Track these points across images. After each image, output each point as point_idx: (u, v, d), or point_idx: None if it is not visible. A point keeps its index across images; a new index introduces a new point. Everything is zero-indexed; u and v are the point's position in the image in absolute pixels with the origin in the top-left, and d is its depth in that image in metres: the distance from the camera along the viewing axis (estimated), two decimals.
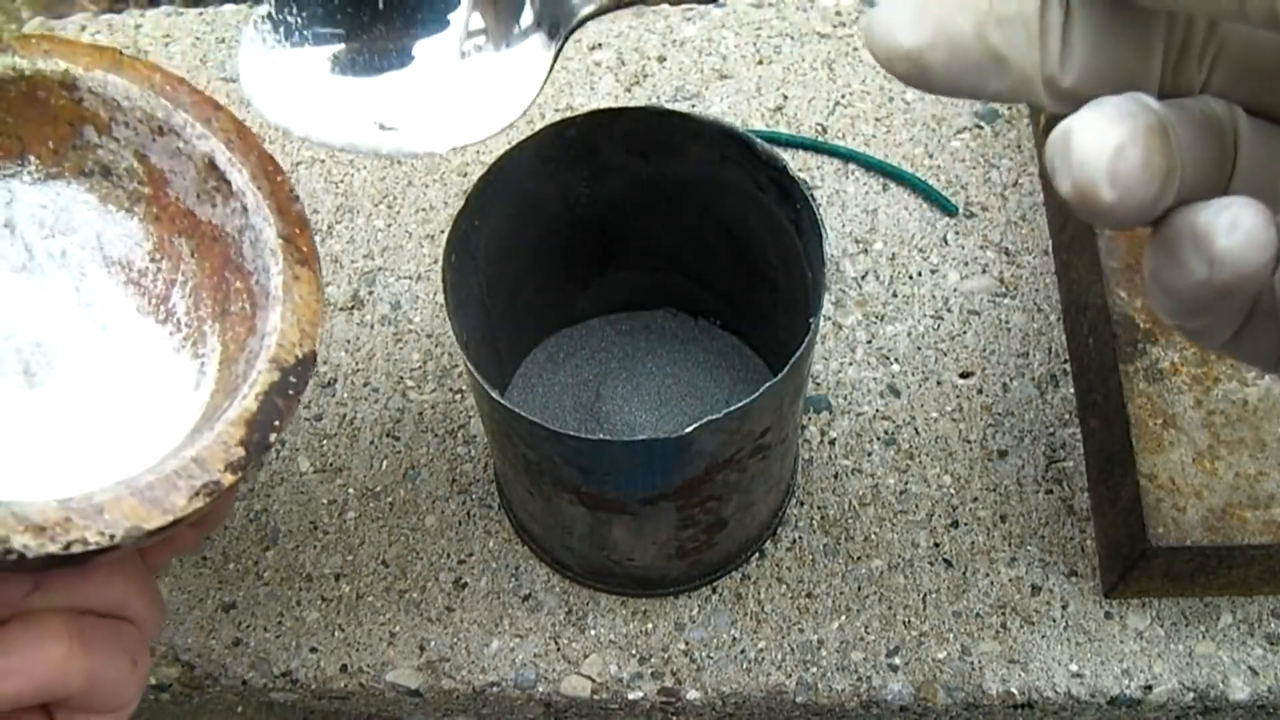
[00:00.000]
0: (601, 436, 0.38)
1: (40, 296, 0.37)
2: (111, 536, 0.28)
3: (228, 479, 0.31)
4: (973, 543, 0.51)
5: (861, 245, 0.58)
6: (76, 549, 0.27)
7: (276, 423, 0.32)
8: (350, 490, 0.53)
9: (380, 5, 0.35)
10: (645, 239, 0.49)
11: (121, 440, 0.34)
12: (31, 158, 0.37)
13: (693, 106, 0.63)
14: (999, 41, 0.23)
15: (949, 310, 0.56)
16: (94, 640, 0.29)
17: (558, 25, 0.34)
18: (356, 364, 0.56)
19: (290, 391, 0.33)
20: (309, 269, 0.35)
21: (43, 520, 0.27)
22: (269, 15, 0.35)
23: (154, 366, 0.37)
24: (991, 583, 0.50)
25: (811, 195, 0.40)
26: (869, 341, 0.56)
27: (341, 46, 0.35)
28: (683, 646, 0.49)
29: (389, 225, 0.60)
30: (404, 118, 0.35)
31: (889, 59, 0.24)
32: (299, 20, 0.35)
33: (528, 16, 0.35)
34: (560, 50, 0.34)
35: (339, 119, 0.35)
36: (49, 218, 0.38)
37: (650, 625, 0.49)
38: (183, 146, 0.36)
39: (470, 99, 0.36)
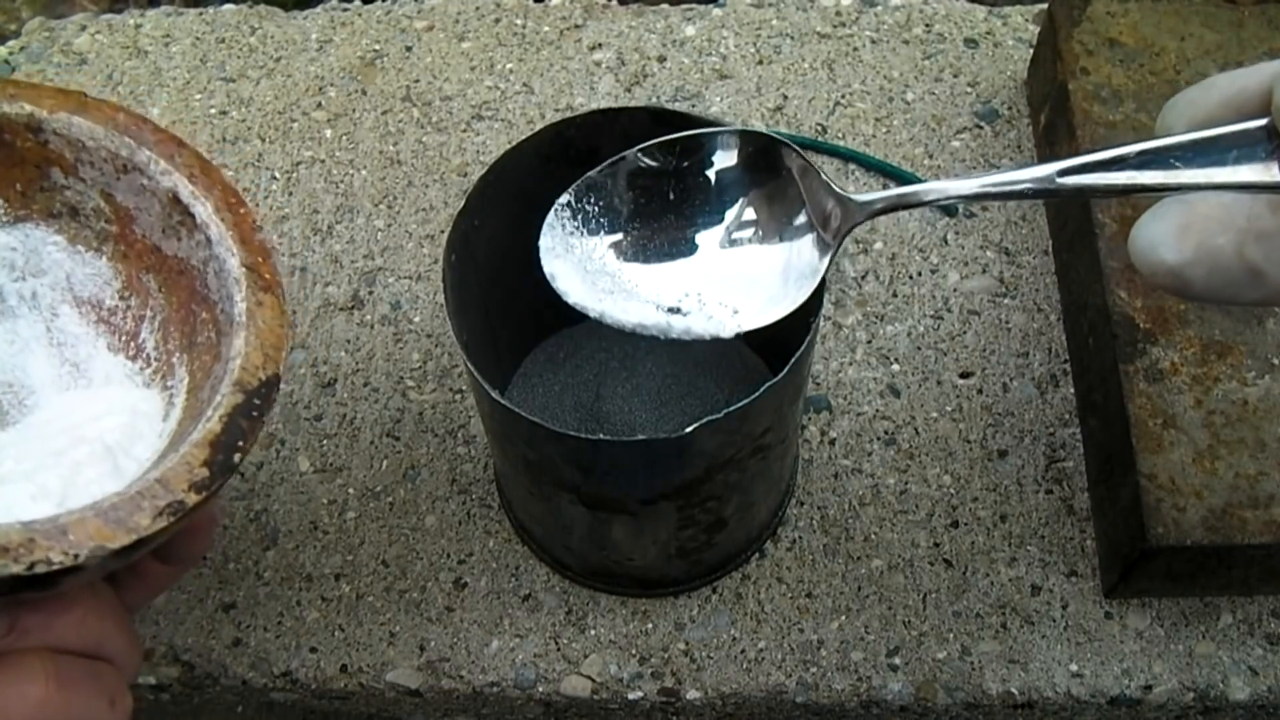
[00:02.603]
0: (601, 436, 0.38)
1: (12, 339, 0.38)
2: (76, 556, 0.28)
3: (191, 499, 0.31)
4: (973, 543, 0.51)
5: (861, 245, 0.58)
6: (40, 569, 0.27)
7: (241, 443, 0.33)
8: (350, 490, 0.53)
9: (669, 197, 0.38)
10: None
11: (89, 466, 0.35)
12: (0, 201, 0.37)
13: (693, 106, 0.63)
14: (1257, 257, 0.26)
15: (949, 310, 0.56)
16: (72, 680, 0.29)
17: (829, 225, 0.36)
18: (357, 364, 0.56)
19: (254, 413, 0.33)
20: (272, 295, 0.36)
21: (5, 541, 0.27)
22: (569, 204, 0.38)
23: (124, 400, 0.38)
24: (991, 583, 0.50)
25: None
26: (869, 341, 0.56)
27: (629, 234, 0.38)
28: (683, 646, 0.49)
29: (389, 225, 0.60)
30: (689, 302, 0.38)
31: (1152, 273, 0.27)
32: (595, 209, 0.38)
33: (802, 216, 0.37)
34: (837, 252, 0.37)
35: (629, 302, 0.38)
36: (19, 260, 0.38)
37: (650, 625, 0.49)
38: (147, 183, 0.37)
39: (750, 287, 0.38)
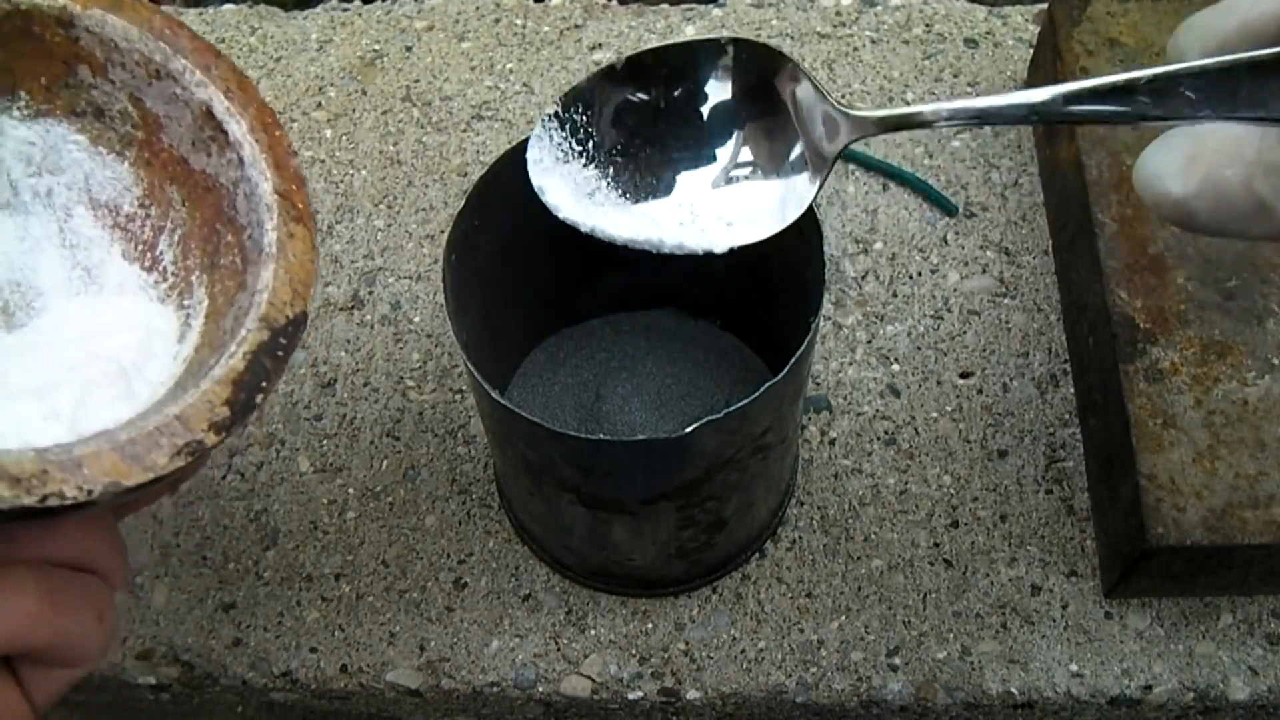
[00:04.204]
0: (601, 436, 0.38)
1: (23, 235, 0.36)
2: (89, 492, 0.27)
3: (211, 439, 0.30)
4: (973, 543, 0.51)
5: (861, 245, 0.58)
6: (53, 502, 0.27)
7: (264, 384, 0.32)
8: (350, 490, 0.53)
9: (659, 122, 0.37)
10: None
11: (101, 387, 0.33)
12: (22, 94, 0.36)
13: None
14: (1266, 191, 0.25)
15: (949, 310, 0.56)
16: (63, 595, 0.29)
17: (824, 142, 0.36)
18: (357, 364, 0.56)
19: (279, 352, 0.32)
20: (304, 227, 0.35)
21: (19, 471, 0.26)
22: (556, 114, 0.37)
23: (137, 314, 0.36)
24: (991, 583, 0.50)
25: None
26: (869, 341, 0.56)
27: (620, 148, 0.37)
28: (683, 646, 0.49)
29: (389, 225, 0.60)
30: (682, 214, 0.37)
31: (1156, 204, 0.26)
32: (583, 121, 0.37)
33: (797, 131, 0.36)
34: (831, 168, 0.36)
35: (620, 215, 0.36)
36: (36, 155, 0.37)
37: (650, 625, 0.49)
38: (180, 93, 0.35)
39: (744, 210, 0.37)
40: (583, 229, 0.36)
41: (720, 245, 0.37)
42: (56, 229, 0.37)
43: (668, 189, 0.37)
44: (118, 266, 0.37)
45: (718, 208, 0.37)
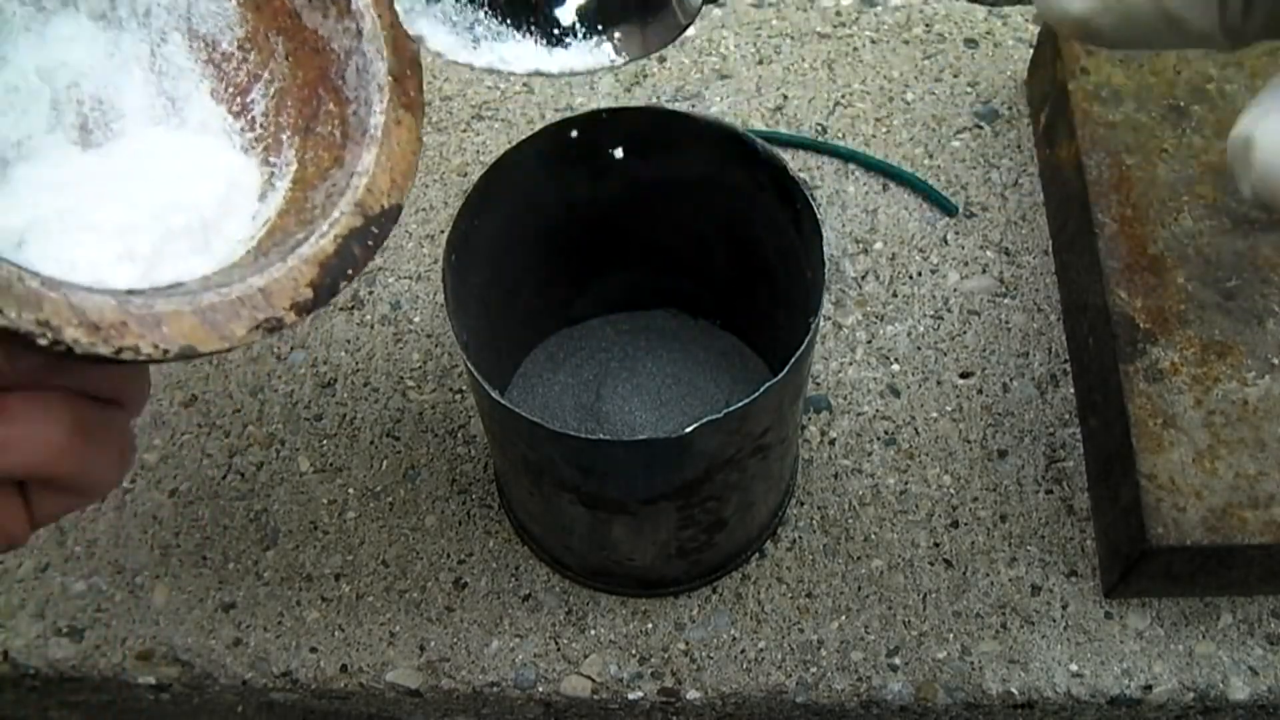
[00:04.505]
0: (601, 436, 0.38)
1: (112, 52, 0.34)
2: (165, 352, 0.27)
3: (290, 318, 0.29)
4: (973, 543, 0.51)
5: (861, 245, 0.58)
6: (127, 356, 0.26)
7: (350, 271, 0.31)
8: (350, 490, 0.53)
9: None
10: (645, 239, 0.49)
11: (179, 237, 0.32)
12: None
13: (693, 106, 0.63)
14: (1176, 6, 0.23)
15: (949, 310, 0.56)
16: (92, 428, 0.28)
17: None
18: (356, 364, 0.56)
19: (369, 242, 0.31)
20: (412, 115, 0.33)
21: (99, 319, 0.26)
22: None
23: (218, 156, 0.34)
24: (991, 583, 0.50)
25: (811, 195, 0.40)
26: (869, 341, 0.56)
27: None
28: (683, 646, 0.49)
29: None
30: (571, 42, 0.35)
31: (1058, 23, 0.24)
32: None
33: None
34: None
35: (504, 45, 0.34)
36: None
37: (650, 625, 0.49)
38: None
39: (629, 24, 0.35)
40: (477, 67, 0.34)
41: (610, 60, 0.35)
42: (148, 51, 0.35)
43: (550, 9, 0.35)
44: (204, 104, 0.35)
45: (605, 22, 0.35)
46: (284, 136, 0.35)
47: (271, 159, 0.35)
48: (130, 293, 0.28)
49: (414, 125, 0.33)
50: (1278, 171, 0.22)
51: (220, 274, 0.30)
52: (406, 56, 0.34)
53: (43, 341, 0.25)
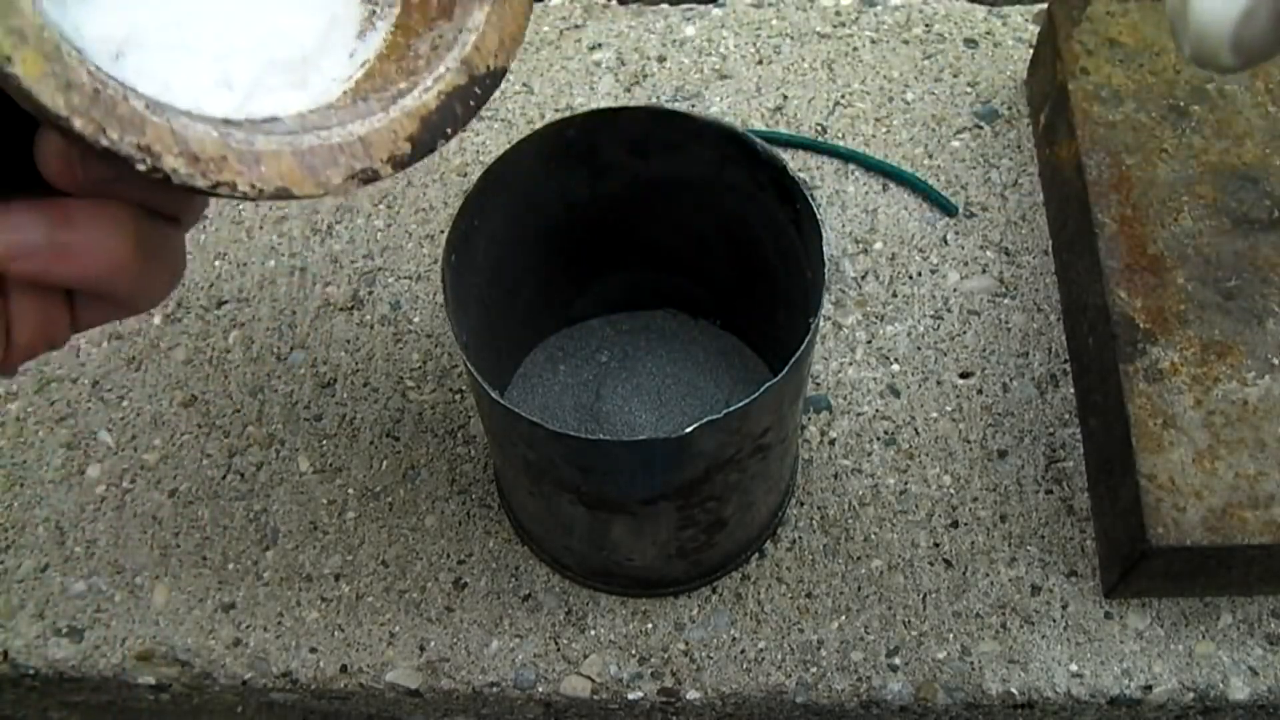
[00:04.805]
0: (601, 437, 0.38)
1: None
2: (260, 191, 0.26)
3: (386, 171, 0.29)
4: (972, 543, 0.51)
5: (861, 245, 0.58)
6: (223, 191, 0.26)
7: (449, 130, 0.30)
8: (350, 490, 0.53)
9: None
10: (645, 239, 0.49)
11: (278, 70, 0.31)
12: None
13: (692, 106, 0.63)
14: None
15: (949, 310, 0.56)
16: (151, 245, 0.28)
17: None
18: (356, 364, 0.56)
19: (472, 102, 0.31)
20: None
21: (199, 150, 0.26)
22: None
23: None
24: (991, 583, 0.50)
25: (811, 195, 0.40)
26: (869, 341, 0.56)
27: None
28: (682, 647, 0.49)
29: (389, 225, 0.60)
30: None
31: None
32: None
33: None
34: None
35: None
36: None
37: (650, 625, 0.49)
38: None
39: None
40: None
41: None
42: None
43: None
44: None
45: None
46: None
47: None
48: (228, 123, 0.28)
49: None
50: (1212, 32, 0.22)
51: (318, 113, 0.30)
52: None
53: (141, 167, 0.25)
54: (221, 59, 0.29)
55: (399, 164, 0.29)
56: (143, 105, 0.25)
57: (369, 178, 0.29)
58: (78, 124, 0.24)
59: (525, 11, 0.33)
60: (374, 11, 0.34)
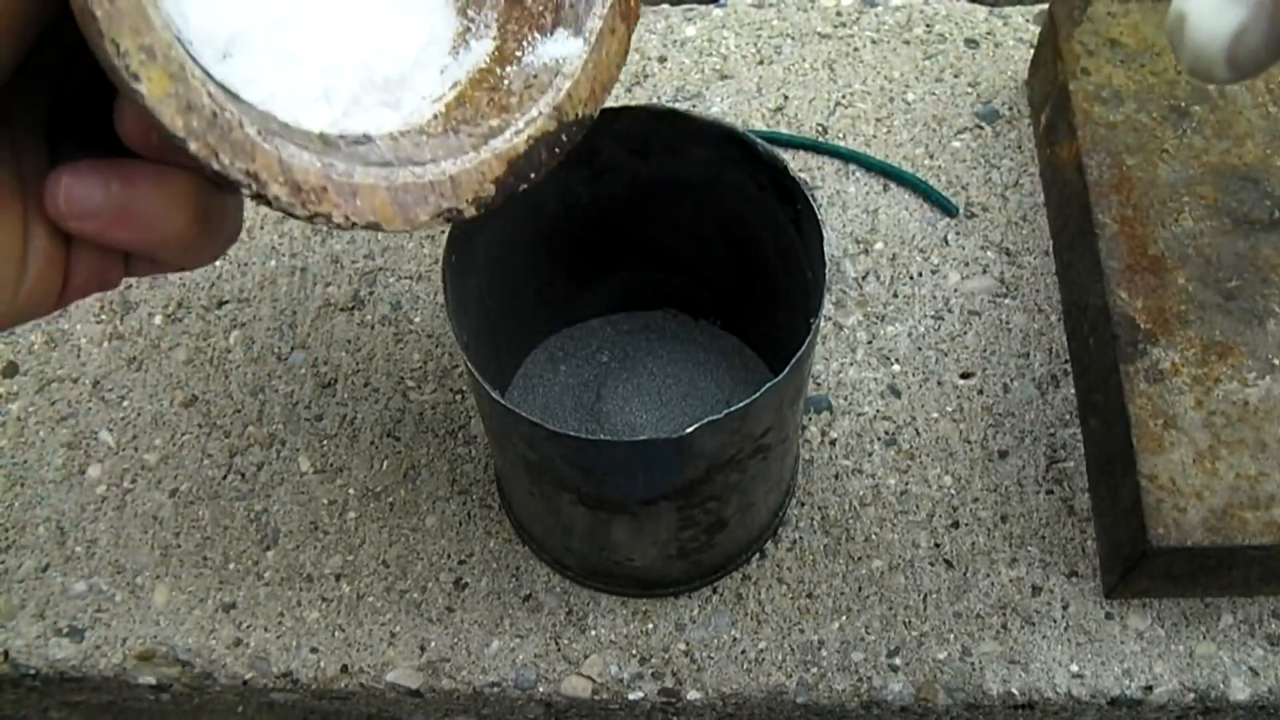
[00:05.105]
0: (602, 437, 0.38)
1: None
2: (353, 224, 0.27)
3: (469, 211, 0.29)
4: (973, 543, 0.51)
5: (862, 245, 0.58)
6: (319, 222, 0.27)
7: (532, 175, 0.30)
8: (351, 490, 0.53)
9: None
10: (645, 239, 0.49)
11: (376, 88, 0.31)
12: None
13: (693, 107, 0.63)
14: None
15: (950, 311, 0.56)
16: (212, 217, 0.28)
17: None
18: (357, 364, 0.56)
19: (557, 148, 0.31)
20: (627, 27, 0.32)
21: (303, 180, 0.26)
22: None
23: (423, 6, 0.33)
24: (992, 583, 0.50)
25: (812, 195, 0.40)
26: (869, 342, 0.56)
27: None
28: (683, 647, 0.49)
29: None
30: None
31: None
32: None
33: None
34: None
35: None
36: None
37: (651, 625, 0.49)
38: None
39: None
40: None
41: None
42: None
43: None
44: None
45: None
46: (489, 1, 0.33)
47: (470, 14, 0.33)
48: (325, 141, 0.28)
49: (625, 38, 0.32)
50: (1207, 50, 0.23)
51: (409, 137, 0.30)
52: None
53: (246, 192, 0.25)
54: (325, 73, 0.30)
55: (482, 205, 0.30)
56: (255, 131, 0.26)
57: (453, 217, 0.29)
58: (193, 146, 0.24)
59: (620, 60, 0.32)
60: (469, 28, 0.33)
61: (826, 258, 0.39)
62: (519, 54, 0.33)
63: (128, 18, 0.23)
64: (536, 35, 0.33)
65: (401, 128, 0.30)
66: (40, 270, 0.27)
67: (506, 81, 0.32)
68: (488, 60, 0.33)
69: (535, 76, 0.32)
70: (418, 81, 0.32)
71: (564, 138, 0.31)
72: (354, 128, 0.29)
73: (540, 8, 0.33)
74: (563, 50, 0.32)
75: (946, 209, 0.59)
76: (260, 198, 0.26)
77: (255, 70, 0.28)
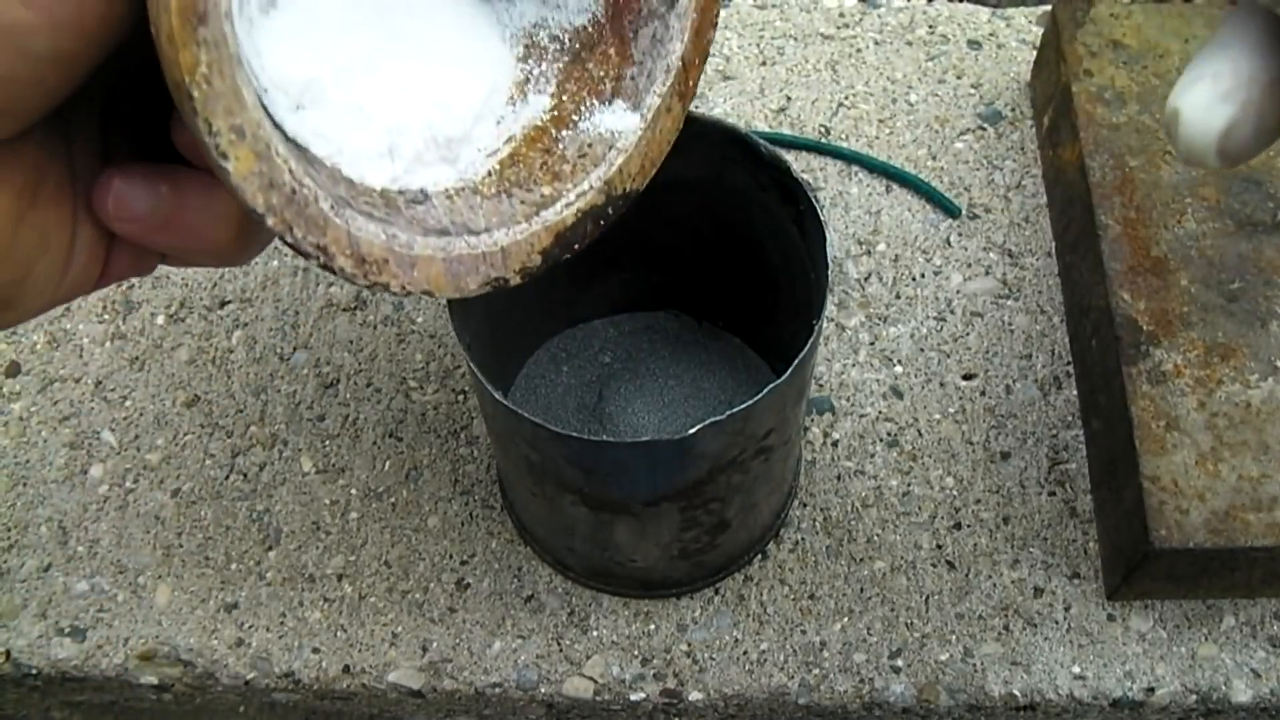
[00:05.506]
0: (604, 438, 0.38)
1: None
2: (408, 292, 0.28)
3: (515, 280, 0.30)
4: (975, 544, 0.51)
5: (865, 247, 0.58)
6: (375, 291, 0.28)
7: (576, 246, 0.31)
8: (353, 491, 0.53)
9: None
10: (648, 240, 0.49)
11: (438, 145, 0.31)
12: None
13: (695, 107, 0.63)
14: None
15: (952, 312, 0.56)
16: (253, 230, 0.29)
17: None
18: (359, 364, 0.56)
19: (602, 221, 0.31)
20: (682, 105, 0.33)
21: (368, 253, 0.27)
22: None
23: (480, 48, 0.32)
24: (994, 584, 0.50)
25: (814, 196, 0.40)
26: (872, 343, 0.56)
27: None
28: (685, 648, 0.49)
29: None
30: None
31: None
32: None
33: None
34: None
35: None
36: None
37: (653, 626, 0.49)
38: None
39: None
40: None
41: None
42: None
43: None
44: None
45: None
46: (548, 58, 0.33)
47: (529, 65, 0.33)
48: (384, 195, 0.28)
49: (679, 116, 0.33)
50: (1199, 143, 0.25)
51: (463, 198, 0.30)
52: (702, 45, 0.33)
53: (313, 263, 0.26)
54: (392, 130, 0.30)
55: (528, 275, 0.30)
56: (328, 206, 0.26)
57: (499, 286, 0.30)
58: (270, 221, 0.25)
59: (672, 138, 0.33)
60: (527, 79, 0.33)
61: (829, 259, 0.39)
62: (575, 119, 0.33)
63: (223, 99, 0.23)
64: (595, 102, 0.33)
65: (457, 184, 0.31)
66: (83, 263, 0.28)
67: (561, 146, 0.33)
68: (544, 119, 0.33)
69: (590, 146, 0.32)
70: (476, 135, 0.32)
71: (610, 211, 0.32)
72: (413, 183, 0.30)
73: (602, 73, 0.33)
74: (619, 124, 0.32)
75: (949, 210, 0.59)
76: (326, 268, 0.27)
77: (326, 125, 0.28)
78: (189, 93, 0.23)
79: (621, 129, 0.32)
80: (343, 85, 0.29)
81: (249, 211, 0.25)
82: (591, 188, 0.31)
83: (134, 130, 0.28)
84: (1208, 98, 0.24)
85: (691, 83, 0.33)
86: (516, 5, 0.34)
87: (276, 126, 0.27)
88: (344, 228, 0.26)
